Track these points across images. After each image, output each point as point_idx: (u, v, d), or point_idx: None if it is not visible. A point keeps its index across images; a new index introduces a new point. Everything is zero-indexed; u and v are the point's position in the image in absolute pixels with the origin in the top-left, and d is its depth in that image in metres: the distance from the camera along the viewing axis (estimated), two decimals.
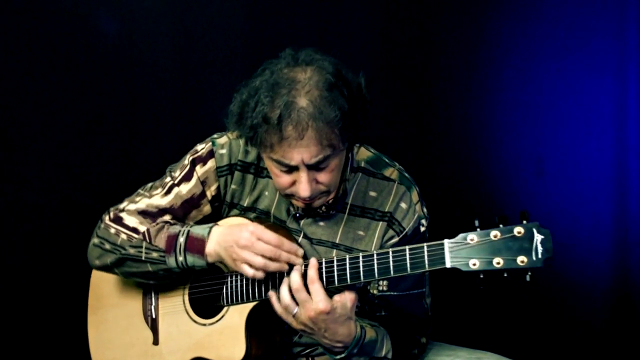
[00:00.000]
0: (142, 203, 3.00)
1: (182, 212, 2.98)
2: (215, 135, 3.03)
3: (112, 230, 2.96)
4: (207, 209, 3.00)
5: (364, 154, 2.98)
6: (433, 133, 4.12)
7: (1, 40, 3.94)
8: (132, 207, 3.00)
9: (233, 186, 2.98)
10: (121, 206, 3.03)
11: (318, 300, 2.64)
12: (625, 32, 3.84)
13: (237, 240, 2.73)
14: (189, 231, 2.84)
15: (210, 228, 2.83)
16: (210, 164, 2.98)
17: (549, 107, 3.94)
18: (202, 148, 3.00)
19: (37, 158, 4.03)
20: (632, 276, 3.92)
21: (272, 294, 2.74)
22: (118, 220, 2.98)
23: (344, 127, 2.62)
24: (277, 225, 2.95)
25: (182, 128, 4.07)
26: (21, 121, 4.00)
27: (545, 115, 3.96)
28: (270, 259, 2.72)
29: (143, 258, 2.89)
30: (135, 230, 2.93)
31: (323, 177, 2.71)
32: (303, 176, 2.68)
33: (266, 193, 2.98)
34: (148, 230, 2.91)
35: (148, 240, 2.89)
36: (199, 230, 2.84)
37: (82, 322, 3.22)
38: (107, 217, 3.01)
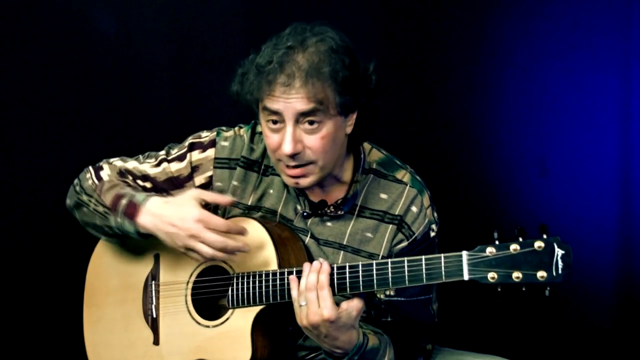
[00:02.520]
0: (130, 164, 3.01)
1: (164, 186, 2.98)
2: (223, 128, 3.02)
3: (87, 175, 2.98)
4: None
5: (375, 155, 2.97)
6: (434, 133, 4.13)
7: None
8: (118, 163, 3.02)
9: (234, 183, 2.96)
10: (111, 159, 3.04)
11: (324, 306, 2.60)
12: (630, 31, 3.84)
13: (186, 229, 2.70)
14: (133, 196, 2.83)
15: (149, 197, 2.82)
16: (209, 152, 2.97)
17: (553, 106, 3.95)
18: (205, 135, 3.00)
19: (33, 155, 4.03)
20: (637, 277, 3.94)
21: (293, 278, 2.69)
22: (98, 168, 3.00)
23: (337, 91, 2.63)
24: (282, 225, 2.93)
25: (182, 128, 3.97)
26: (20, 121, 3.99)
27: (549, 115, 3.96)
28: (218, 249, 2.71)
29: (91, 208, 2.89)
30: (100, 179, 2.95)
31: (311, 141, 2.68)
32: (288, 129, 2.67)
33: (271, 191, 2.96)
34: (103, 183, 2.92)
35: (98, 193, 2.88)
36: (139, 197, 2.82)
37: (78, 320, 3.18)
38: (95, 164, 3.04)
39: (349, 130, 2.78)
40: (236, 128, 3.00)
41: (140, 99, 4.06)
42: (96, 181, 2.94)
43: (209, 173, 2.96)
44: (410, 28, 4.01)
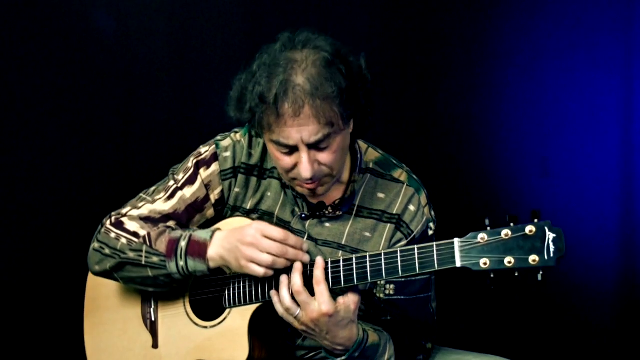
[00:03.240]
0: (145, 209, 2.95)
1: (186, 216, 2.94)
2: (218, 137, 2.99)
3: (113, 235, 2.91)
4: (210, 212, 2.97)
5: (372, 155, 2.96)
6: (436, 132, 4.11)
7: None
8: (134, 212, 2.95)
9: (237, 189, 2.95)
10: (123, 211, 2.97)
11: (322, 302, 2.60)
12: (631, 30, 3.83)
13: (242, 239, 2.67)
14: (191, 235, 2.79)
15: (214, 232, 2.78)
16: (214, 167, 2.94)
17: (554, 106, 3.93)
18: (205, 151, 2.97)
19: (35, 159, 4.02)
20: (638, 276, 3.91)
21: (274, 293, 2.69)
22: (119, 224, 2.93)
23: (343, 105, 2.60)
24: (279, 226, 2.90)
25: (181, 128, 4.06)
26: (19, 122, 3.99)
27: (550, 114, 3.95)
28: (277, 255, 2.67)
29: (143, 262, 2.83)
30: (135, 234, 2.88)
31: (325, 157, 2.67)
32: (304, 156, 2.64)
33: (269, 194, 2.95)
34: (149, 234, 2.85)
35: (148, 244, 2.83)
36: (201, 234, 2.79)
37: (78, 325, 3.18)
38: (108, 222, 2.96)
39: (351, 130, 2.78)
40: (232, 134, 2.98)
41: (140, 98, 4.06)
42: (132, 237, 2.88)
43: (220, 188, 2.95)
44: (410, 28, 4.01)
